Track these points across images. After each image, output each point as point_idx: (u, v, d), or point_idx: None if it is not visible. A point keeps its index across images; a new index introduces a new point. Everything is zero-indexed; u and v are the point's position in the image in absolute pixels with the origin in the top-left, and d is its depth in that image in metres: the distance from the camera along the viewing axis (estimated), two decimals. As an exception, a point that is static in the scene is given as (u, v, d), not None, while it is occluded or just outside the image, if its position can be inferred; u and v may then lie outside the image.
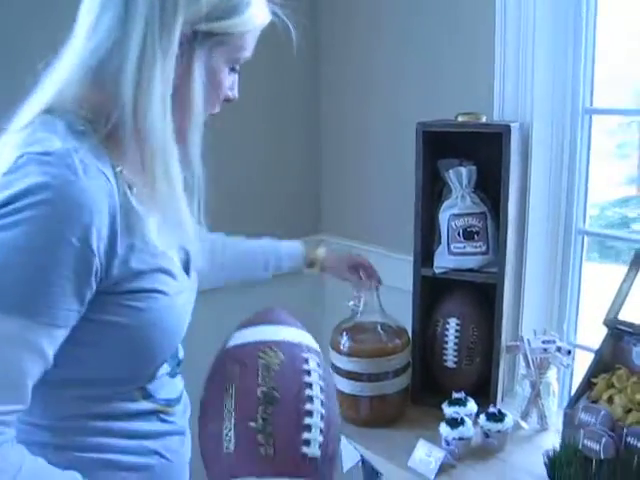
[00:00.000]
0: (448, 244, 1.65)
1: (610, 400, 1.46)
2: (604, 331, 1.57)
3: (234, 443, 0.97)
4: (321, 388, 1.02)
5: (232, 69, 1.04)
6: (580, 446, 1.28)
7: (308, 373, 1.02)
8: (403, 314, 1.72)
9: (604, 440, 1.25)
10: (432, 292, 1.73)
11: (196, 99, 0.97)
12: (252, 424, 0.96)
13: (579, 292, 1.84)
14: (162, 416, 1.08)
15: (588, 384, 1.51)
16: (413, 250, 1.69)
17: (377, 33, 2.08)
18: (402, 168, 1.98)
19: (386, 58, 2.06)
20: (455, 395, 1.58)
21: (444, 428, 1.51)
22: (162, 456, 1.07)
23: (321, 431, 0.99)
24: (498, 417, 1.53)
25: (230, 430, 0.97)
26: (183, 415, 1.13)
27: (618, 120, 1.86)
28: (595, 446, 1.26)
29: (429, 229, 1.71)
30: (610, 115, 1.82)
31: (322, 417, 1.00)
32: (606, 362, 1.54)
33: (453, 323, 1.67)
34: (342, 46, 2.21)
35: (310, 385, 1.01)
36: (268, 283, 2.00)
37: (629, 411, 1.43)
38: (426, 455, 1.48)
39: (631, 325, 1.52)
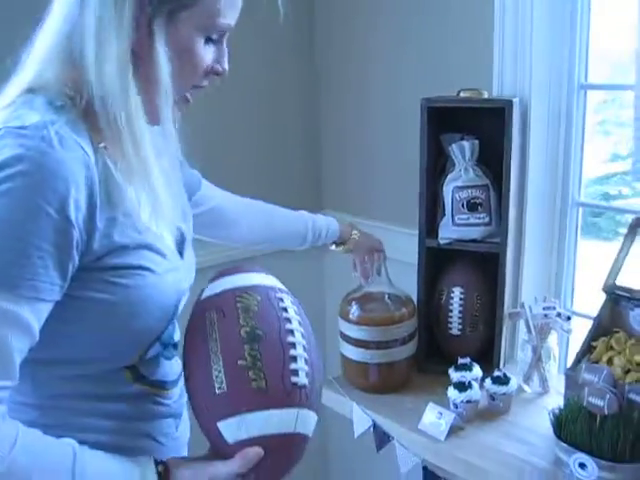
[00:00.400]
0: (452, 216, 1.70)
1: (610, 361, 1.53)
2: (597, 299, 1.64)
3: (227, 383, 0.98)
4: (299, 322, 1.06)
5: (210, 39, 1.00)
6: (585, 403, 1.35)
7: (285, 310, 1.05)
8: (408, 286, 1.78)
9: (608, 397, 1.32)
10: (436, 263, 1.79)
11: (161, 71, 0.95)
12: (241, 362, 0.99)
13: (575, 261, 1.91)
14: (156, 398, 1.10)
15: (588, 347, 1.59)
16: (418, 222, 1.74)
17: (379, 8, 2.11)
18: (404, 143, 2.04)
19: (387, 34, 2.09)
20: (461, 361, 1.65)
21: (452, 392, 1.57)
22: (154, 439, 1.09)
23: (306, 361, 1.03)
24: (503, 380, 1.59)
25: (220, 372, 0.99)
26: (180, 398, 1.15)
27: (599, 98, 1.91)
28: (599, 402, 1.33)
29: (432, 202, 1.76)
30: (603, 90, 1.88)
31: (305, 348, 1.03)
32: (605, 326, 1.61)
33: (457, 292, 1.74)
34: (342, 22, 2.24)
35: (289, 320, 1.04)
36: (267, 257, 2.06)
37: (628, 371, 1.51)
38: (436, 418, 1.54)
39: (628, 290, 1.59)
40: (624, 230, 1.65)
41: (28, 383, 0.98)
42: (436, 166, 1.77)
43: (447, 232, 1.72)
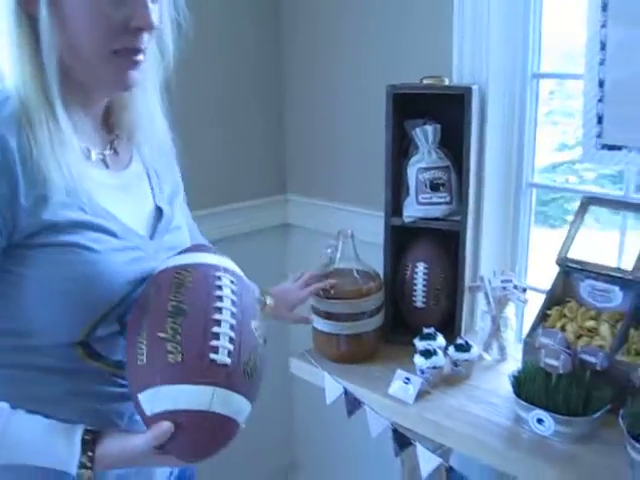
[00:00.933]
0: (416, 195, 1.81)
1: (563, 328, 1.66)
2: (547, 276, 1.77)
3: (146, 354, 0.99)
4: (232, 302, 1.04)
5: None
6: (542, 364, 1.47)
7: (219, 288, 1.04)
8: (374, 264, 1.87)
9: (562, 357, 1.44)
10: (401, 240, 1.90)
11: (52, 39, 0.97)
12: (161, 334, 0.99)
13: (529, 239, 2.04)
14: (115, 379, 1.10)
15: (544, 316, 1.71)
16: (384, 201, 1.85)
17: (341, 2, 2.21)
18: (367, 127, 2.14)
19: (352, 24, 2.19)
20: (426, 330, 1.76)
21: (418, 359, 1.68)
22: (110, 419, 1.10)
23: (231, 340, 1.00)
24: (465, 348, 1.71)
25: (143, 343, 0.99)
26: None
27: (547, 89, 2.03)
28: (555, 362, 1.45)
29: (397, 183, 1.87)
30: (555, 79, 2.01)
31: (232, 327, 1.01)
32: (558, 296, 1.74)
33: (421, 267, 1.85)
34: (308, 9, 2.32)
35: (220, 298, 1.03)
36: (236, 238, 2.13)
37: (579, 336, 1.64)
38: (404, 383, 1.65)
39: (579, 263, 1.72)
40: (571, 217, 1.78)
41: None
42: (400, 148, 1.87)
43: (411, 211, 1.83)
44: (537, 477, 1.42)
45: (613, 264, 1.73)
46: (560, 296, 1.74)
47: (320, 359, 1.84)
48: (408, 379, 1.65)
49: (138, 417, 1.06)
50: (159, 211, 1.18)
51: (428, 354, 1.68)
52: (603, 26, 1.66)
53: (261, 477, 2.67)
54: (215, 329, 1.00)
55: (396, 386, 1.65)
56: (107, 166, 1.12)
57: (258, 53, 2.39)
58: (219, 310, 1.02)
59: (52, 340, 1.04)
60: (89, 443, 1.00)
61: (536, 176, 1.99)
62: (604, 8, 1.65)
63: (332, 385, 1.74)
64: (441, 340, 1.76)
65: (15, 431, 0.99)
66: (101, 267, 1.02)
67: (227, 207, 2.35)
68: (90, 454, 0.99)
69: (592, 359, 1.47)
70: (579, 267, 1.72)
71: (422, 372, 1.68)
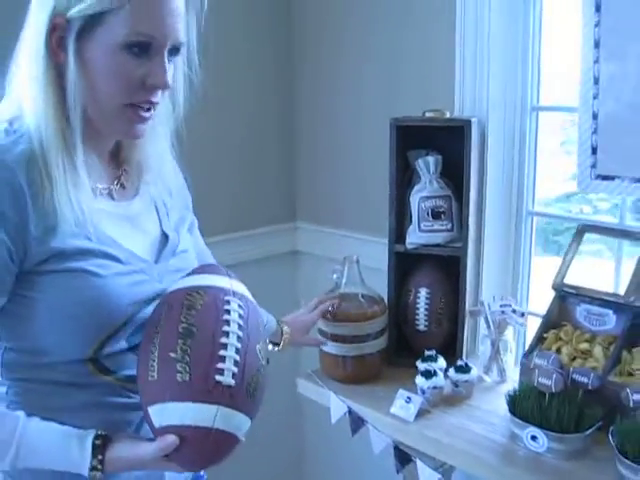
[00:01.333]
0: (418, 223, 1.89)
1: (558, 350, 1.73)
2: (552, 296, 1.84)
3: (157, 372, 1.07)
4: (239, 326, 1.11)
5: (135, 53, 1.05)
6: (535, 383, 1.54)
7: (227, 312, 1.11)
8: (378, 289, 1.95)
9: (555, 376, 1.51)
10: (404, 266, 1.98)
11: (71, 86, 1.05)
12: (172, 354, 1.07)
13: (530, 265, 2.11)
14: (125, 392, 1.17)
15: (540, 339, 1.78)
16: (388, 229, 1.93)
17: (345, 40, 2.33)
18: (371, 158, 2.24)
19: (358, 61, 2.30)
20: (427, 352, 1.83)
21: (419, 379, 1.75)
22: (119, 428, 1.16)
23: (236, 363, 1.08)
24: (465, 369, 1.78)
25: (155, 361, 1.07)
26: None
27: (561, 119, 2.11)
28: (548, 382, 1.52)
29: (400, 211, 1.95)
30: (555, 112, 2.09)
31: (237, 351, 1.09)
32: (554, 320, 1.81)
33: (423, 292, 1.92)
34: (314, 52, 2.45)
35: (227, 322, 1.10)
36: (247, 265, 2.21)
37: (574, 359, 1.70)
38: (405, 402, 1.72)
39: (575, 288, 1.79)
40: (583, 247, 1.85)
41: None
42: (404, 178, 1.96)
43: (414, 238, 1.91)
44: (531, 492, 1.49)
45: (609, 289, 1.79)
46: (556, 320, 1.81)
47: (326, 380, 1.91)
48: (409, 398, 1.72)
49: (146, 425, 1.13)
50: (165, 237, 1.27)
51: (429, 375, 1.74)
52: (596, 62, 1.75)
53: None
54: (222, 352, 1.08)
55: (398, 405, 1.72)
56: (113, 198, 1.21)
57: (272, 92, 2.51)
58: (226, 334, 1.09)
59: (63, 357, 1.12)
60: (100, 447, 1.08)
61: (548, 208, 2.06)
62: (596, 45, 1.74)
63: (337, 404, 1.81)
64: (442, 362, 1.82)
65: (31, 438, 1.08)
66: (106, 290, 1.10)
67: (240, 234, 2.45)
68: (100, 457, 1.07)
69: (584, 379, 1.54)
70: (574, 292, 1.78)
71: (423, 392, 1.74)
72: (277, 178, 2.60)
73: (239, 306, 1.14)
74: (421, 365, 1.80)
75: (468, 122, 1.81)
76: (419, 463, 1.64)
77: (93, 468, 1.07)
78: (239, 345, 1.10)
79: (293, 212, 2.63)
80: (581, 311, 1.79)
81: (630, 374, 1.61)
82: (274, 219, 2.59)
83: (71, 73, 1.05)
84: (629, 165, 1.75)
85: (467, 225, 1.85)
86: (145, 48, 1.06)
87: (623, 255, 1.87)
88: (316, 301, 1.86)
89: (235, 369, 1.08)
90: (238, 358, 1.09)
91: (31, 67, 1.07)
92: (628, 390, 1.47)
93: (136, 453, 1.09)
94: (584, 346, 1.71)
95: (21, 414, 1.09)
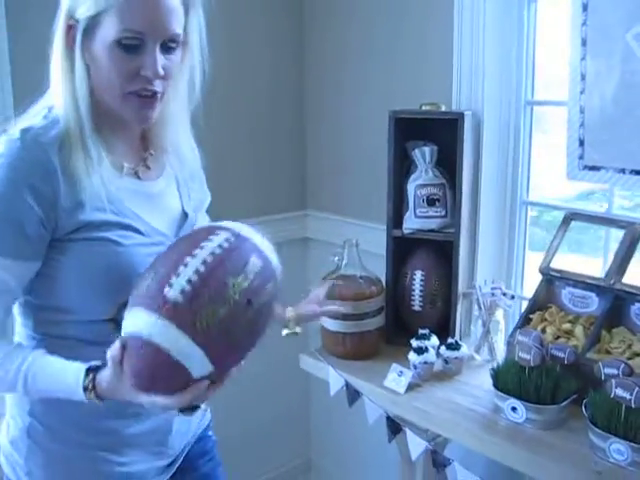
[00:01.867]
0: (414, 209, 2.01)
1: (544, 330, 1.84)
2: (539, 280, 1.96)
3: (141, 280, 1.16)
4: (212, 253, 1.13)
5: (127, 47, 1.16)
6: (516, 358, 1.66)
7: (209, 240, 1.16)
8: (379, 273, 2.08)
9: (533, 351, 1.62)
10: (401, 249, 2.10)
11: (83, 79, 1.20)
12: (149, 266, 1.17)
13: (524, 251, 2.22)
14: None
15: (526, 319, 1.89)
16: (386, 215, 2.06)
17: (349, 41, 2.48)
18: (373, 150, 2.36)
19: (358, 58, 2.46)
20: (421, 331, 1.95)
21: (412, 355, 1.87)
22: None
23: (189, 281, 1.09)
24: (455, 346, 1.90)
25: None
26: None
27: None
28: (527, 356, 1.63)
29: (398, 198, 2.07)
30: (547, 106, 2.20)
31: (197, 272, 1.10)
32: (540, 302, 1.92)
33: (419, 274, 2.04)
34: (321, 52, 2.62)
35: (202, 247, 1.14)
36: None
37: (557, 337, 1.82)
38: (397, 375, 1.84)
39: (560, 272, 1.90)
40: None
41: (30, 321, 1.29)
42: (402, 168, 2.08)
43: (410, 223, 2.03)
44: (510, 459, 1.60)
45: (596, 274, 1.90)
46: (543, 302, 1.92)
47: (328, 356, 2.04)
48: (401, 372, 1.84)
49: None
50: (185, 215, 1.40)
51: (420, 351, 1.86)
52: (583, 59, 1.85)
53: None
54: (180, 269, 1.11)
55: (390, 378, 1.85)
56: (139, 177, 1.34)
57: (284, 92, 2.69)
58: (194, 256, 1.12)
59: (87, 316, 1.25)
60: (91, 371, 1.17)
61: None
62: (583, 43, 1.85)
63: (335, 378, 1.94)
64: (434, 340, 1.94)
65: (36, 367, 1.20)
66: (126, 258, 1.24)
67: (255, 220, 2.57)
68: (91, 376, 1.16)
69: (561, 354, 1.65)
70: (560, 275, 1.89)
71: (415, 367, 1.87)
72: (289, 171, 2.76)
73: (226, 239, 1.17)
74: (414, 342, 1.92)
75: (461, 115, 1.92)
76: (409, 432, 1.76)
77: (86, 388, 1.16)
78: (202, 268, 1.11)
79: (305, 201, 2.78)
80: (566, 294, 1.90)
81: (608, 352, 1.72)
82: (287, 207, 2.74)
83: (78, 67, 1.19)
84: (613, 156, 1.85)
85: (459, 212, 1.97)
86: (136, 43, 1.17)
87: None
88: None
89: (187, 287, 1.09)
90: (195, 279, 1.09)
91: (55, 63, 1.23)
92: (600, 364, 1.57)
93: (110, 375, 1.15)
94: (567, 326, 1.82)
95: (30, 349, 1.23)
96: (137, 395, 1.13)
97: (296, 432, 2.99)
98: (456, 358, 1.90)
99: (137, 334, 1.10)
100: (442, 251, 2.06)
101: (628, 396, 1.44)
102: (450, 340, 1.91)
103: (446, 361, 1.91)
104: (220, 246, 1.15)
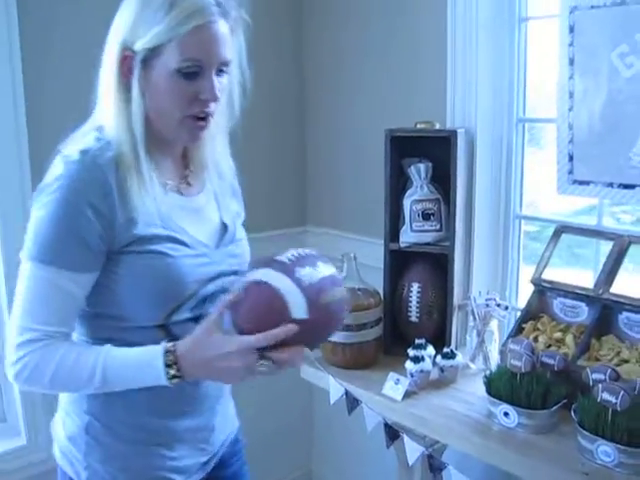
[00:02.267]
0: (410, 224, 2.09)
1: (535, 339, 1.91)
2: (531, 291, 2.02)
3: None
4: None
5: (186, 74, 1.26)
6: (508, 365, 1.72)
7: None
8: (376, 285, 2.14)
9: (524, 358, 1.69)
10: (399, 263, 2.17)
11: (134, 103, 1.28)
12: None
13: (519, 263, 2.29)
14: None
15: (519, 328, 1.96)
16: (383, 229, 2.13)
17: (349, 62, 2.57)
18: (370, 167, 2.44)
19: (355, 78, 2.55)
20: (417, 341, 2.01)
21: (409, 364, 1.94)
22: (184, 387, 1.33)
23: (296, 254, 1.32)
24: (450, 355, 1.96)
25: None
26: None
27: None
28: (518, 363, 1.69)
29: (395, 213, 2.15)
30: (537, 123, 2.28)
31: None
32: (533, 312, 1.99)
33: (415, 286, 2.11)
34: (320, 71, 2.69)
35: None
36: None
37: (549, 346, 1.88)
38: (395, 383, 1.91)
39: (551, 282, 1.97)
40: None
41: (84, 328, 1.38)
42: (398, 184, 2.15)
43: (406, 237, 2.11)
44: (503, 462, 1.66)
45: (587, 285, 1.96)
46: (536, 312, 1.99)
47: (328, 366, 2.10)
48: (398, 380, 1.90)
49: (207, 382, 1.43)
50: (224, 226, 1.49)
51: (417, 360, 1.93)
52: (571, 77, 1.94)
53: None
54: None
55: (388, 386, 1.91)
56: (181, 193, 1.44)
57: (286, 111, 2.79)
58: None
59: (139, 323, 1.34)
60: (170, 351, 1.27)
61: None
62: (571, 62, 1.93)
63: (335, 387, 2.00)
64: (430, 349, 2.01)
65: (114, 360, 1.28)
66: (176, 269, 1.33)
67: (256, 235, 2.65)
68: (172, 348, 1.27)
69: (551, 361, 1.72)
70: (551, 286, 1.96)
71: (412, 375, 1.93)
72: (290, 187, 2.85)
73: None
74: (411, 352, 1.98)
75: (454, 132, 2.00)
76: (406, 438, 1.82)
77: (167, 364, 1.26)
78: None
79: (303, 217, 2.85)
80: (557, 304, 1.97)
81: (597, 359, 1.78)
82: (288, 223, 2.81)
83: (134, 96, 1.28)
84: (601, 171, 1.93)
85: (454, 225, 2.04)
86: (194, 70, 1.27)
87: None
88: None
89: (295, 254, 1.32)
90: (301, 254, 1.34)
91: (108, 90, 1.31)
92: (588, 370, 1.64)
93: (200, 330, 1.28)
94: (558, 335, 1.89)
95: (98, 347, 1.31)
96: (222, 348, 1.25)
97: (298, 442, 3.05)
98: (451, 366, 1.96)
99: (257, 279, 1.27)
100: (438, 264, 2.13)
101: (614, 400, 1.50)
102: (446, 349, 1.98)
103: (442, 369, 1.97)
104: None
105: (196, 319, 1.37)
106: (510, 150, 2.22)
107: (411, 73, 2.34)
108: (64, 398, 1.47)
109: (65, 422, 1.46)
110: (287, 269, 1.28)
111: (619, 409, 1.49)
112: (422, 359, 1.93)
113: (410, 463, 1.81)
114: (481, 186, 2.20)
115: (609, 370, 1.61)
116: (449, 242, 2.05)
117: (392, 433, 1.88)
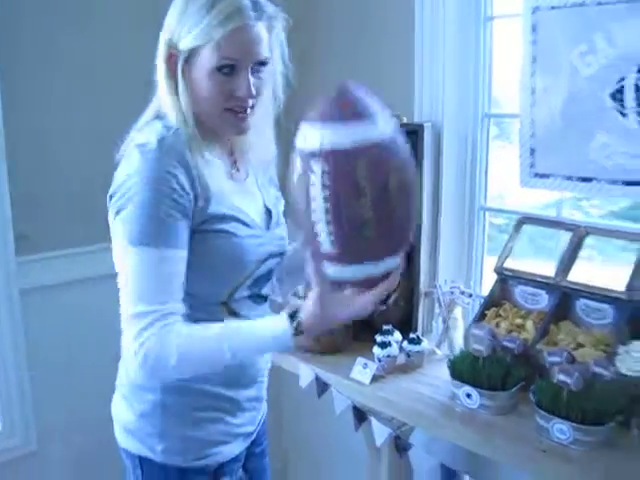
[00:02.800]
0: (379, 214, 2.16)
1: (498, 325, 1.99)
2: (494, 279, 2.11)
3: None
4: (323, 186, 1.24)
5: (223, 72, 1.35)
6: (471, 349, 1.80)
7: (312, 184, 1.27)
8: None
9: (486, 343, 1.77)
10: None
11: (187, 99, 1.39)
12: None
13: (483, 255, 2.38)
14: None
15: (482, 315, 2.04)
16: (353, 220, 2.20)
17: (313, 53, 2.61)
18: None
19: (328, 70, 2.57)
20: (385, 327, 2.09)
21: (376, 349, 2.01)
22: None
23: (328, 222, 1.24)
24: (417, 341, 2.04)
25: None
26: None
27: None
28: (480, 347, 1.78)
29: (365, 205, 2.21)
30: (502, 118, 2.36)
31: (327, 211, 1.23)
32: (495, 300, 2.07)
33: (384, 275, 2.18)
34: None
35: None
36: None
37: (510, 331, 1.97)
38: (363, 367, 1.98)
39: (513, 271, 2.05)
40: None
41: None
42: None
43: (375, 227, 2.17)
44: (466, 442, 1.74)
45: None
46: (498, 299, 2.07)
47: (298, 352, 2.17)
48: (366, 364, 1.98)
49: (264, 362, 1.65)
50: (268, 211, 1.57)
51: (384, 345, 2.01)
52: (532, 75, 2.01)
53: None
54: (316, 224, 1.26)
55: (356, 370, 1.98)
56: (233, 179, 1.53)
57: None
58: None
59: (204, 300, 1.44)
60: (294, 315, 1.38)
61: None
62: (534, 60, 2.01)
63: (306, 372, 2.07)
64: (397, 335, 2.09)
65: (236, 330, 1.38)
66: (241, 247, 1.43)
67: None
68: (299, 318, 1.37)
69: (511, 345, 1.80)
70: (513, 275, 2.05)
71: (379, 360, 2.00)
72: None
73: (322, 171, 1.24)
74: (378, 337, 2.06)
75: (421, 126, 2.08)
76: (374, 420, 1.90)
77: (292, 319, 1.37)
78: (327, 205, 1.23)
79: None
80: (519, 292, 2.05)
81: (555, 344, 1.87)
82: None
83: (181, 88, 1.39)
84: (561, 165, 2.01)
85: (420, 217, 2.12)
86: (231, 69, 1.36)
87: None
88: None
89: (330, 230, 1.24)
90: (330, 218, 1.23)
91: (161, 84, 1.42)
92: (545, 352, 1.73)
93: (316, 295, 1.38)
94: (519, 321, 1.97)
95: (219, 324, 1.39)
96: (343, 302, 1.40)
97: (268, 426, 3.09)
98: (418, 352, 2.04)
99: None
100: (405, 253, 2.19)
101: (569, 381, 1.59)
102: (412, 335, 2.05)
103: (408, 355, 2.05)
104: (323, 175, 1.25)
105: (251, 297, 1.51)
106: (475, 144, 2.30)
107: (379, 68, 2.40)
108: (126, 380, 1.54)
109: (132, 403, 1.53)
110: None
111: (574, 389, 1.58)
112: (389, 344, 2.01)
113: (378, 444, 1.90)
114: (447, 178, 2.27)
115: (565, 353, 1.70)
116: (415, 233, 2.12)
117: (360, 416, 1.96)
